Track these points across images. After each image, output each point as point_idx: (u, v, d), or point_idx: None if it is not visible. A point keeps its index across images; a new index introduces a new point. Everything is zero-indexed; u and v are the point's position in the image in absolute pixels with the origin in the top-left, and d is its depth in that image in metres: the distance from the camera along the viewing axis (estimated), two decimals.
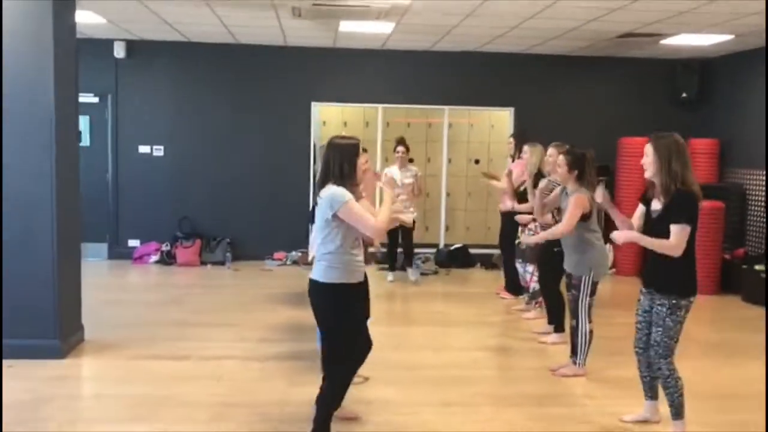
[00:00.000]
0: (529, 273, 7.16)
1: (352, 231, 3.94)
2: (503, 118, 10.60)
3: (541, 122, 9.73)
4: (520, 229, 7.11)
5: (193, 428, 4.24)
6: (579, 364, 5.35)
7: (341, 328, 4.02)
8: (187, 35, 9.18)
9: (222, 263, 9.62)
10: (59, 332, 5.48)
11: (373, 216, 4.02)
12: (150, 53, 9.67)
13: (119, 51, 9.52)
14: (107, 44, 9.50)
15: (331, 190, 3.89)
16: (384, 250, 9.11)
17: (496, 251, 8.87)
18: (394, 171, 8.38)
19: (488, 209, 10.94)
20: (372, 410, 4.54)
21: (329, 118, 11.10)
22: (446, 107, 10.37)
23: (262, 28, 8.38)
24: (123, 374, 5.26)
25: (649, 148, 4.13)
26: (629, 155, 9.33)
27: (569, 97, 10.15)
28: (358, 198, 4.16)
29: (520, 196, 6.94)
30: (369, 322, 4.38)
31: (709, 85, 9.83)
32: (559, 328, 6.29)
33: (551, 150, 6.47)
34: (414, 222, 8.31)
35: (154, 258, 9.67)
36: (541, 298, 6.79)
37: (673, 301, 4.06)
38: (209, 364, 5.45)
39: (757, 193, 8.88)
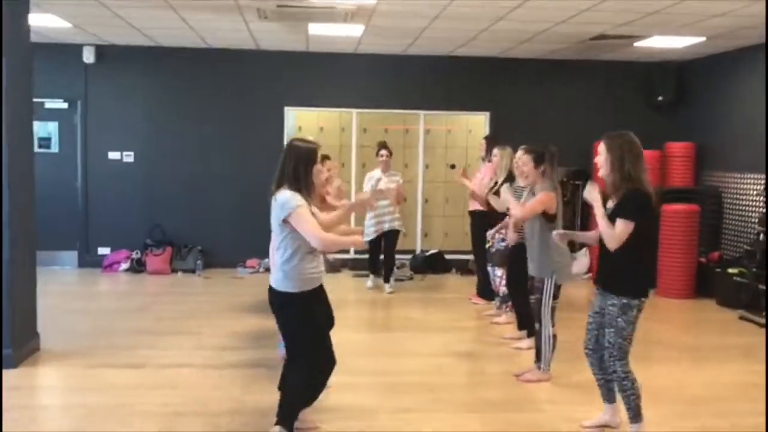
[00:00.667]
0: (498, 277, 7.06)
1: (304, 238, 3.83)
2: (480, 123, 10.52)
3: (518, 126, 9.64)
4: (489, 234, 7.04)
5: None
6: (543, 369, 5.26)
7: (302, 335, 3.93)
8: (157, 40, 9.07)
9: (193, 271, 9.48)
10: (12, 341, 5.33)
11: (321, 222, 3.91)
12: (120, 58, 9.55)
13: (88, 56, 9.40)
14: (76, 49, 9.37)
15: (285, 195, 3.78)
16: (337, 257, 9.23)
17: (472, 257, 8.78)
18: (376, 175, 8.36)
19: (466, 215, 10.79)
20: (328, 418, 4.42)
21: (305, 123, 10.97)
22: (421, 112, 10.28)
23: (231, 32, 8.28)
24: (76, 383, 5.11)
25: (602, 147, 4.10)
26: None
27: (545, 101, 10.09)
28: (318, 205, 4.06)
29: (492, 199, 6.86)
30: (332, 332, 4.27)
31: (686, 88, 9.77)
32: (531, 333, 6.17)
33: (519, 153, 6.38)
34: (398, 232, 8.50)
35: (125, 266, 9.52)
36: (510, 303, 6.70)
37: (624, 302, 3.99)
38: (166, 373, 5.31)
39: (732, 196, 8.81)
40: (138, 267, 9.49)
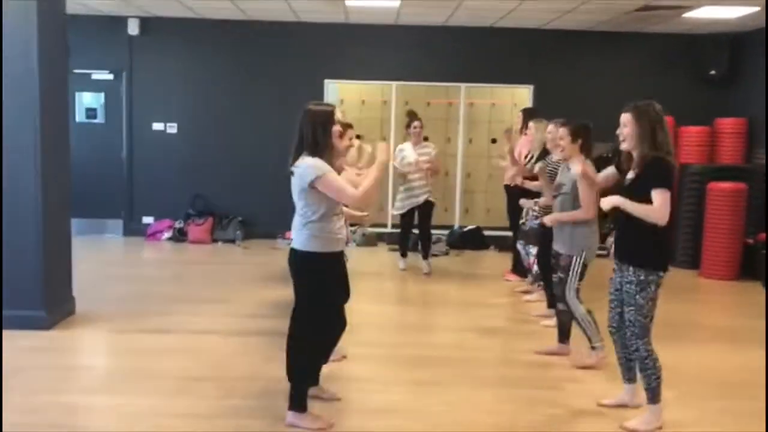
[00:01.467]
0: (531, 255, 6.94)
1: (331, 199, 3.79)
2: (525, 97, 10.30)
3: (562, 100, 9.42)
4: (524, 211, 6.91)
5: (154, 401, 4.19)
6: (597, 348, 4.97)
7: (317, 299, 3.88)
8: (199, 12, 9.15)
9: (233, 241, 9.63)
10: (45, 304, 5.52)
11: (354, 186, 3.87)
12: (163, 30, 9.68)
13: (133, 28, 9.56)
14: (121, 21, 9.54)
15: (307, 162, 3.74)
16: (373, 230, 8.91)
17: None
18: (406, 148, 7.93)
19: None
20: (339, 388, 4.43)
21: (347, 96, 10.96)
22: (462, 84, 10.14)
23: (270, 3, 8.28)
24: (102, 347, 5.28)
25: (628, 118, 3.91)
26: None
27: (591, 74, 9.81)
28: (338, 170, 4.02)
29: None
30: (350, 301, 4.25)
31: (739, 62, 9.35)
32: None
33: (551, 127, 6.21)
34: (432, 203, 7.96)
35: (167, 235, 9.74)
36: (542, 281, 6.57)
37: (641, 278, 3.85)
38: (190, 338, 5.42)
39: None
40: (180, 236, 9.69)
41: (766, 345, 5.30)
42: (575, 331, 5.15)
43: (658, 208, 3.76)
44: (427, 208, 7.98)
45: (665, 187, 3.75)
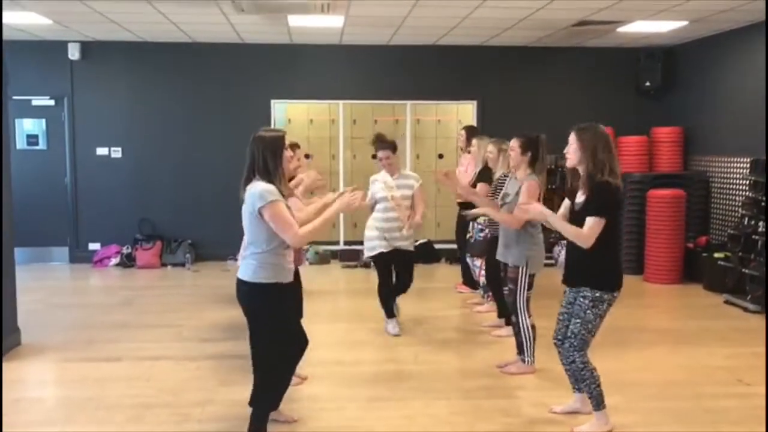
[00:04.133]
0: (477, 267, 7.06)
1: None
2: (470, 112, 10.49)
3: (506, 115, 9.69)
4: (470, 225, 7.04)
5: (105, 430, 4.13)
6: (528, 362, 5.19)
7: (270, 329, 3.86)
8: (141, 35, 9.08)
9: (183, 265, 9.52)
10: None
11: (298, 219, 3.87)
12: (105, 54, 9.56)
13: (74, 53, 9.42)
14: (61, 46, 9.39)
15: (259, 187, 3.70)
16: (327, 248, 8.81)
17: None
18: (379, 179, 6.16)
19: (456, 205, 10.81)
20: (297, 408, 4.44)
21: (294, 116, 11.00)
22: (408, 102, 10.28)
23: (212, 25, 8.27)
24: (50, 377, 5.16)
25: (573, 137, 4.05)
26: None
27: (533, 89, 10.06)
28: (288, 196, 4.00)
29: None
30: (304, 321, 4.27)
31: (673, 74, 9.72)
32: (509, 322, 6.16)
33: (490, 147, 6.38)
34: (411, 253, 6.22)
35: (115, 261, 9.56)
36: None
37: (597, 294, 3.97)
38: (142, 365, 5.34)
39: (720, 180, 8.78)
40: (128, 262, 9.53)
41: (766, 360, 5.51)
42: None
43: (585, 233, 3.88)
44: (405, 256, 6.19)
45: (601, 216, 3.87)
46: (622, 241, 8.55)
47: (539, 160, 5.17)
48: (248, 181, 3.80)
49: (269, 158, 3.79)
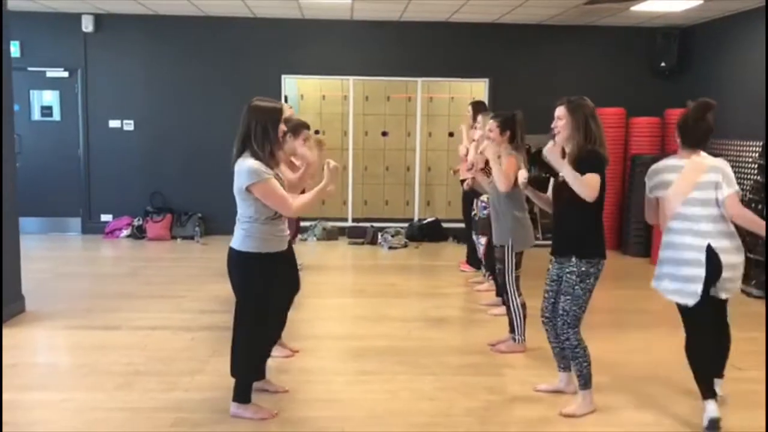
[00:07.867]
0: (481, 245, 7.05)
1: None
2: (482, 90, 10.40)
3: (518, 92, 9.58)
4: (474, 202, 7.02)
5: (94, 396, 4.23)
6: (518, 340, 5.22)
7: (250, 298, 3.87)
8: (154, 8, 9.11)
9: (192, 238, 9.62)
10: None
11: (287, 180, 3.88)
12: (119, 27, 9.62)
13: (87, 25, 9.49)
14: (75, 18, 9.46)
15: (248, 164, 3.66)
16: (334, 224, 8.87)
17: None
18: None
19: None
20: (287, 380, 4.49)
21: (307, 92, 11.01)
22: (419, 79, 10.22)
23: None
24: (48, 344, 5.28)
25: (562, 111, 4.02)
26: (607, 126, 9.06)
27: (546, 67, 9.94)
28: (278, 163, 3.96)
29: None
30: (304, 294, 4.27)
31: (688, 54, 9.54)
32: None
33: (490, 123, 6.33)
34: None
35: (126, 232, 9.70)
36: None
37: (582, 269, 3.97)
38: (138, 334, 5.44)
39: (731, 163, 8.59)
40: (139, 233, 9.66)
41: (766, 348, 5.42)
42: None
43: (588, 182, 3.85)
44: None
45: (596, 172, 3.86)
46: (628, 215, 8.55)
47: (517, 137, 5.22)
48: (239, 153, 3.75)
49: (269, 127, 3.72)
